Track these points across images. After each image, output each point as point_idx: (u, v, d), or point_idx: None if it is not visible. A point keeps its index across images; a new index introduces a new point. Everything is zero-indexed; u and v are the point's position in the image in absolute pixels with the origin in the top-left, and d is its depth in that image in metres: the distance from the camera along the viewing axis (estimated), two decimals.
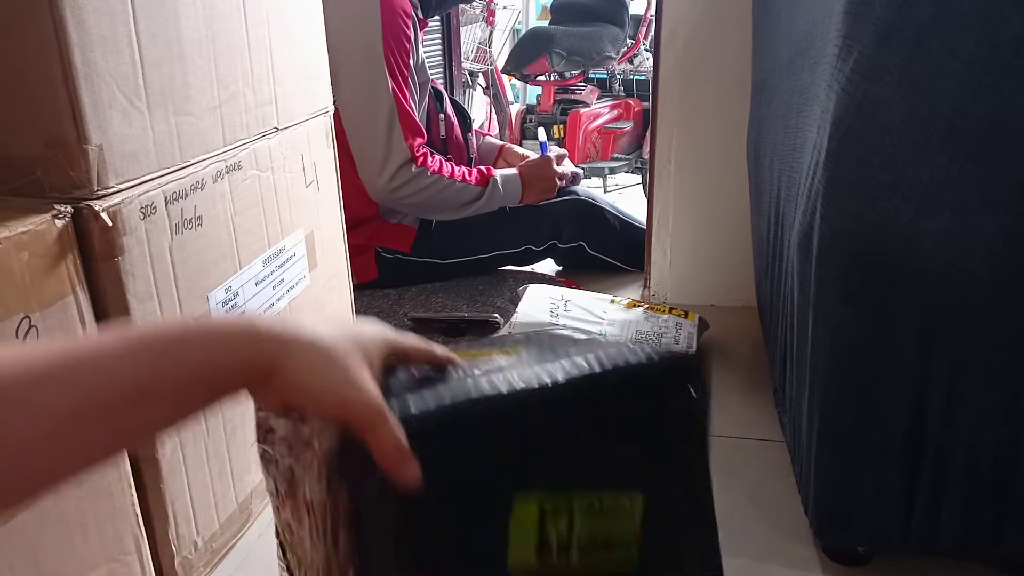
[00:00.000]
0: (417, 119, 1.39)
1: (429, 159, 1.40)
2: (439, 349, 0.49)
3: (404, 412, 0.42)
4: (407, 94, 1.36)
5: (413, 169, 1.37)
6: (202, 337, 0.40)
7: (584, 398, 0.45)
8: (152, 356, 0.38)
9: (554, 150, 1.61)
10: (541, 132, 1.89)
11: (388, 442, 0.40)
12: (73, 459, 0.36)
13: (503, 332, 1.17)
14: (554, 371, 0.45)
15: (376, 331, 0.46)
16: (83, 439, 0.36)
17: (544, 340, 0.54)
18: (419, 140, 1.38)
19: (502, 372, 0.45)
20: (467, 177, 1.45)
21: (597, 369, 0.45)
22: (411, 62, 1.38)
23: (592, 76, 3.71)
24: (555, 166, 1.55)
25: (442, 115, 1.53)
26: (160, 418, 0.39)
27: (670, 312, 1.19)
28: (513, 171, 1.52)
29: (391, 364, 0.46)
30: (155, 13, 0.64)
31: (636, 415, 0.47)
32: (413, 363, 0.48)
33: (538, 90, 3.61)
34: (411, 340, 0.48)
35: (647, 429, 0.47)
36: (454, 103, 1.60)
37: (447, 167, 1.43)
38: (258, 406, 0.52)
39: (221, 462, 0.77)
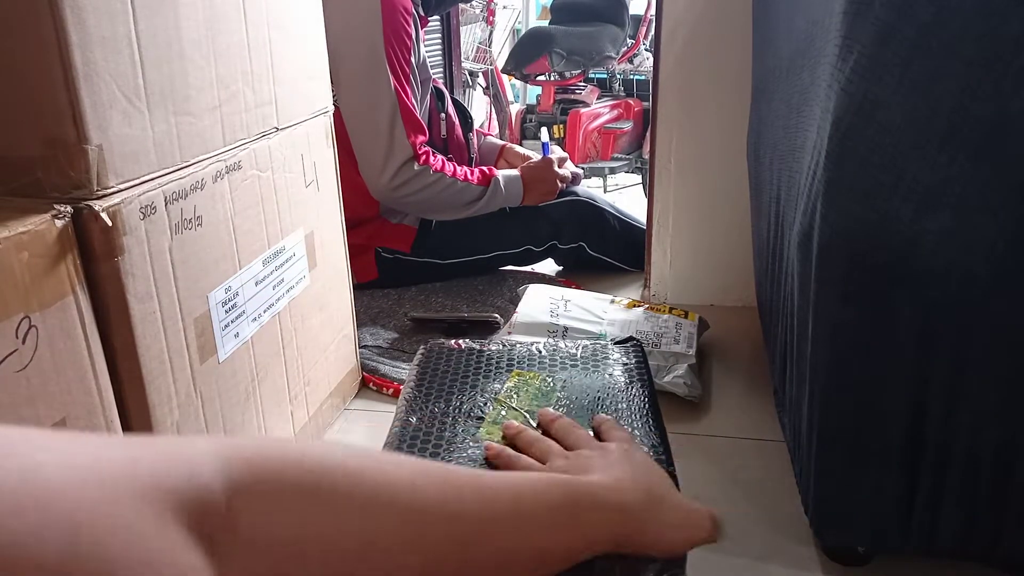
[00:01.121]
0: (419, 117, 1.39)
1: (431, 158, 1.40)
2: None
3: None
4: (409, 91, 1.36)
5: (415, 167, 1.37)
6: (590, 512, 0.44)
7: None
8: (554, 522, 0.41)
9: (556, 151, 1.61)
10: (544, 133, 1.89)
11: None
12: None
13: (503, 332, 1.17)
14: None
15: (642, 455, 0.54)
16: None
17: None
18: (421, 138, 1.38)
19: None
20: (469, 177, 1.45)
21: None
22: (412, 60, 1.38)
23: (592, 76, 3.71)
24: (556, 168, 1.55)
25: (443, 114, 1.53)
26: None
27: (670, 312, 1.19)
28: (515, 172, 1.52)
29: None
30: (155, 13, 0.64)
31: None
32: None
33: (538, 90, 3.61)
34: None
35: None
36: (455, 102, 1.60)
37: (449, 166, 1.43)
38: None
39: None
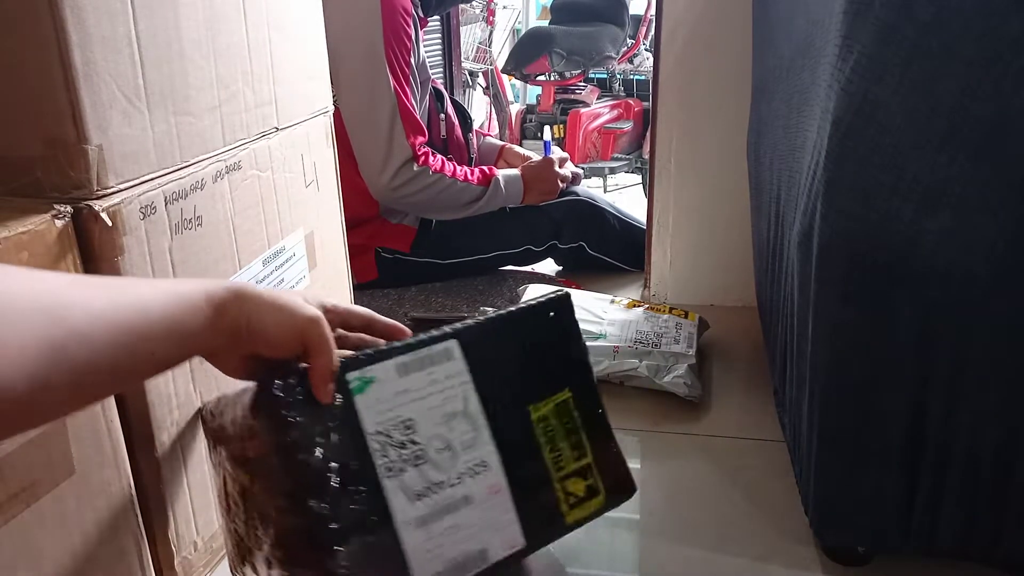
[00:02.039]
0: (418, 117, 1.39)
1: (431, 158, 1.40)
2: (381, 320, 0.65)
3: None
4: (408, 92, 1.36)
5: (415, 168, 1.37)
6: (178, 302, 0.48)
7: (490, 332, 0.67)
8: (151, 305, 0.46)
9: (556, 152, 1.61)
10: (546, 132, 1.89)
11: (324, 364, 0.55)
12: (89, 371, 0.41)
13: None
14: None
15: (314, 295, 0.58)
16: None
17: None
18: (420, 139, 1.38)
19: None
20: (469, 177, 1.45)
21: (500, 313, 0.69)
22: (412, 60, 1.38)
23: (592, 76, 3.71)
24: (557, 168, 1.55)
25: (443, 115, 1.53)
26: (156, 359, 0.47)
27: (670, 312, 1.19)
28: (515, 172, 1.52)
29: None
30: (155, 13, 0.64)
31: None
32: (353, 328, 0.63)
33: (538, 90, 3.61)
34: (350, 307, 0.62)
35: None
36: (455, 103, 1.60)
37: (449, 166, 1.43)
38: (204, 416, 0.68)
39: None
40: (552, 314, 0.72)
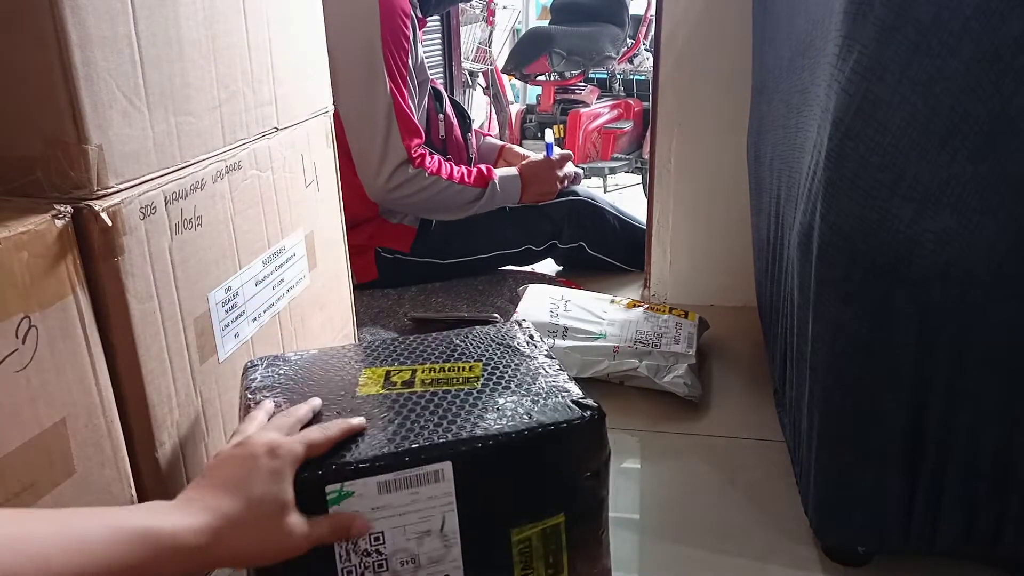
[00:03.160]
0: (416, 119, 1.39)
1: (427, 159, 1.40)
2: (336, 429, 0.60)
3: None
4: (405, 94, 1.36)
5: (410, 170, 1.37)
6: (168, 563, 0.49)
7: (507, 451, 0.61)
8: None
9: (558, 151, 1.61)
10: (548, 134, 1.88)
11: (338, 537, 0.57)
12: None
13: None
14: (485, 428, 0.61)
15: (273, 464, 0.55)
16: None
17: (501, 366, 0.71)
18: (416, 140, 1.38)
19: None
20: (466, 178, 1.44)
21: (523, 427, 0.61)
22: (410, 62, 1.38)
23: (592, 76, 3.71)
24: (558, 169, 1.54)
25: (441, 115, 1.52)
26: None
27: (670, 312, 1.19)
28: (513, 171, 1.52)
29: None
30: (155, 13, 0.64)
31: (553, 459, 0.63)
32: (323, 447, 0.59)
33: (538, 90, 3.61)
34: (311, 439, 0.58)
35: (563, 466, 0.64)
36: (454, 103, 1.60)
37: (445, 168, 1.42)
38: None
39: None
40: (577, 440, 0.63)
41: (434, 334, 0.77)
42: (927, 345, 0.63)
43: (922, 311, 0.62)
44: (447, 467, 0.59)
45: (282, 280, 0.87)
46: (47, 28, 0.54)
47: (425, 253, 1.50)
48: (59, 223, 0.56)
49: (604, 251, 1.58)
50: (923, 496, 0.68)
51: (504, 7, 4.39)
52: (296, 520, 0.54)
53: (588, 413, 0.63)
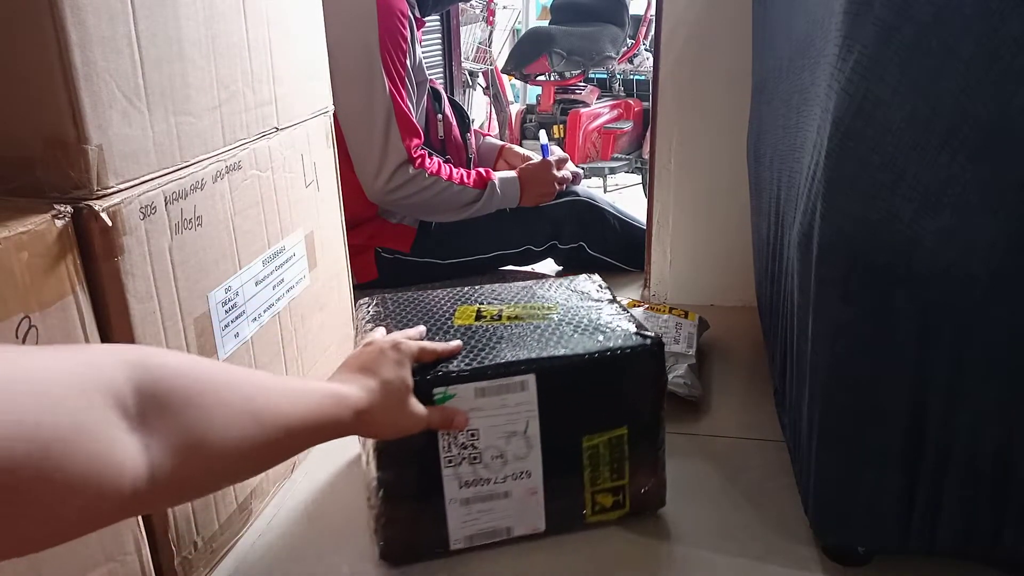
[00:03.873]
0: (415, 120, 1.39)
1: (427, 160, 1.40)
2: (441, 346, 0.73)
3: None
4: (404, 95, 1.36)
5: (410, 171, 1.37)
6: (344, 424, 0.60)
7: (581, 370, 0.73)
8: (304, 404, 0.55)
9: (556, 152, 1.61)
10: (543, 135, 1.88)
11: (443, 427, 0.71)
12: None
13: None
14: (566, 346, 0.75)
15: (397, 355, 0.68)
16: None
17: (575, 307, 0.84)
18: (416, 141, 1.38)
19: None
20: (465, 180, 1.44)
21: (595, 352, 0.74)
22: (408, 62, 1.38)
23: (592, 76, 3.71)
24: (555, 170, 1.54)
25: (440, 115, 1.52)
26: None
27: (670, 312, 1.19)
28: (512, 174, 1.52)
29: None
30: (155, 13, 0.64)
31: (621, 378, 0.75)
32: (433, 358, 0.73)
33: (538, 90, 3.61)
34: (424, 345, 0.72)
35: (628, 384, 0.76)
36: (453, 103, 1.60)
37: (445, 169, 1.42)
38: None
39: None
40: (637, 363, 0.75)
41: (517, 282, 0.92)
42: (927, 345, 0.63)
43: (922, 311, 0.62)
44: (531, 379, 0.72)
45: (282, 280, 0.87)
46: (47, 28, 0.54)
47: (425, 253, 1.51)
48: (59, 223, 0.56)
49: (604, 251, 1.58)
50: (923, 496, 0.68)
51: (504, 7, 4.39)
52: (415, 403, 0.67)
53: (649, 342, 0.76)
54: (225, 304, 0.75)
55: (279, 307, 0.86)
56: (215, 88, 0.73)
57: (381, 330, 0.77)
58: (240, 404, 0.47)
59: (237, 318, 0.78)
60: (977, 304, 0.61)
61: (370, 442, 0.73)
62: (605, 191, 3.34)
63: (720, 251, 1.38)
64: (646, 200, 1.43)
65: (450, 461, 0.72)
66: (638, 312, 1.19)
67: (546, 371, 0.72)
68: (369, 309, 0.85)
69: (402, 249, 1.49)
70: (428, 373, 0.70)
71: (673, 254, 1.42)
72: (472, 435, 0.72)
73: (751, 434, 1.00)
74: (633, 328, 0.78)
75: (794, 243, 0.73)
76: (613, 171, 3.37)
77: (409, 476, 0.73)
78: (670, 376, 1.05)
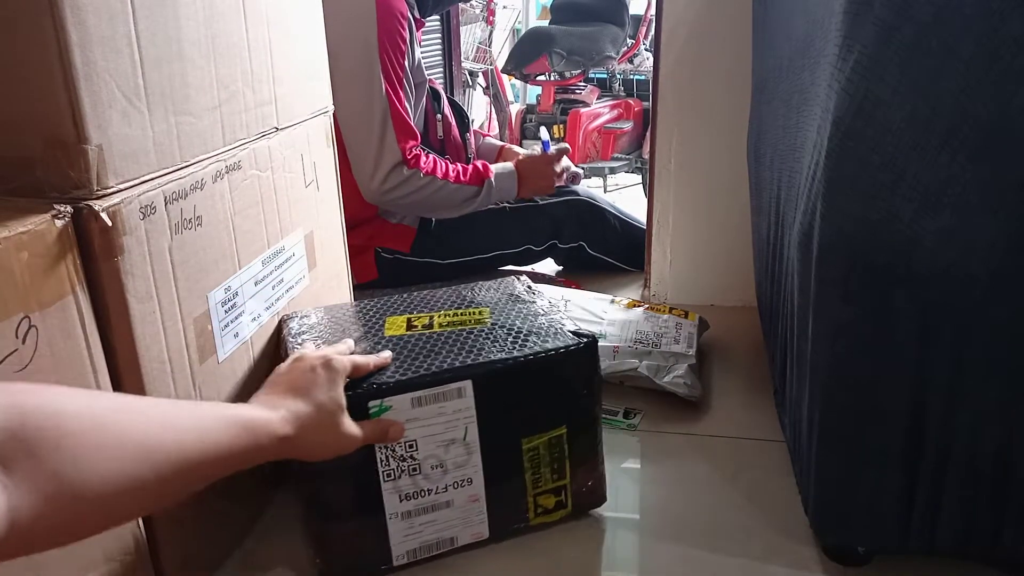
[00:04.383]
0: (411, 121, 1.38)
1: (422, 160, 1.39)
2: (372, 359, 0.71)
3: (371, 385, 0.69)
4: (401, 96, 1.36)
5: (405, 171, 1.36)
6: (264, 449, 0.58)
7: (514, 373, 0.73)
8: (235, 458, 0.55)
9: (556, 147, 1.60)
10: (544, 132, 1.88)
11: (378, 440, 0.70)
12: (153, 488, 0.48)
13: None
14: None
15: (329, 374, 0.66)
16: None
17: (507, 310, 0.84)
18: (412, 142, 1.38)
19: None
20: (461, 176, 1.44)
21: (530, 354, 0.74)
22: (407, 63, 1.38)
23: (592, 76, 3.71)
24: (555, 165, 1.54)
25: (439, 115, 1.52)
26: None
27: (670, 312, 1.19)
28: (509, 165, 1.51)
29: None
30: (155, 13, 0.64)
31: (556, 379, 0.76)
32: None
33: (538, 90, 3.61)
34: (355, 361, 0.70)
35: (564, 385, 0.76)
36: (452, 103, 1.60)
37: (440, 167, 1.42)
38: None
39: None
40: (573, 362, 0.76)
41: (443, 288, 0.91)
42: (927, 345, 0.63)
43: (922, 311, 0.62)
44: (468, 385, 0.71)
45: (282, 280, 0.87)
46: (47, 28, 0.54)
47: (425, 253, 1.50)
48: (59, 223, 0.56)
49: (604, 251, 1.58)
50: (923, 496, 0.68)
51: (504, 7, 4.39)
52: (349, 422, 0.66)
53: (583, 340, 0.76)
54: (225, 304, 0.75)
55: (279, 307, 0.86)
56: (215, 88, 0.73)
57: (310, 344, 0.76)
58: (127, 443, 0.46)
59: (237, 318, 0.78)
60: (977, 304, 0.61)
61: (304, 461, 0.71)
62: (605, 191, 3.34)
63: (720, 251, 1.38)
64: (646, 200, 1.43)
65: (389, 475, 0.71)
66: (638, 312, 1.19)
67: (483, 376, 0.72)
68: (294, 324, 0.83)
69: (402, 249, 1.49)
70: (360, 386, 0.69)
71: (673, 254, 1.42)
72: (410, 446, 0.71)
73: (751, 434, 1.00)
74: (568, 327, 0.78)
75: (794, 243, 0.73)
76: (613, 171, 3.37)
77: (346, 493, 0.72)
78: (670, 376, 1.05)
